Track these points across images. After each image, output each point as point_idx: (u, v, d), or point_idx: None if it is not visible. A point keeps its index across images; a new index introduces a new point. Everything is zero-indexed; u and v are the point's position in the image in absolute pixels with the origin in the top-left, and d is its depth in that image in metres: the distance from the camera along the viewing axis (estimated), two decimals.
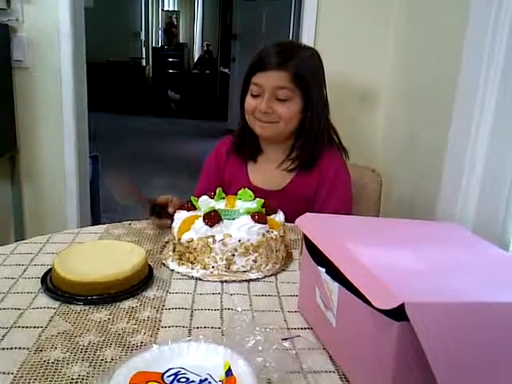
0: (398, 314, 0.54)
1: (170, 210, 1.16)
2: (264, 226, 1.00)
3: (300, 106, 1.30)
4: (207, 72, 7.82)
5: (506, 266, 0.72)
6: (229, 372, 0.60)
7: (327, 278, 0.70)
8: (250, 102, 1.32)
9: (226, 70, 7.07)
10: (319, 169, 1.35)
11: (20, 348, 0.71)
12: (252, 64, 1.32)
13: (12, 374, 0.65)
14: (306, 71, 1.30)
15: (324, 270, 0.71)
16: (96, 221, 2.65)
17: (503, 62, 1.26)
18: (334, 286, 0.68)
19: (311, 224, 0.82)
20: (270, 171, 1.39)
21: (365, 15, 2.11)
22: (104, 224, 1.24)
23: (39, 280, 0.90)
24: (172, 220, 1.08)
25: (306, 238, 0.80)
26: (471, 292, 0.61)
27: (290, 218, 1.09)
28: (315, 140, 1.34)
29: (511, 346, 0.57)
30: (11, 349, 0.71)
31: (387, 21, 2.10)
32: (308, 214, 0.86)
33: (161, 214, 1.18)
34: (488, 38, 1.27)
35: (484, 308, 0.58)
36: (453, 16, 1.59)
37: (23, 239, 1.13)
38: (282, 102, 1.29)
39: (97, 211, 2.75)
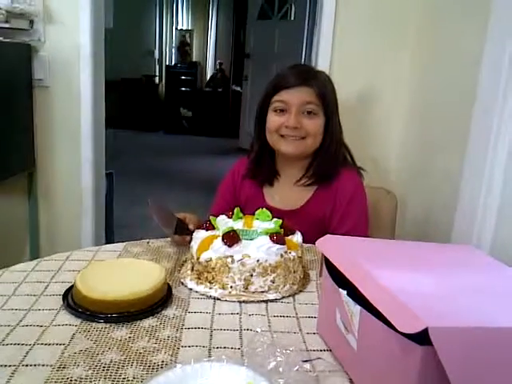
0: (422, 338, 0.54)
1: (191, 226, 1.17)
2: (282, 246, 1.01)
3: (323, 122, 1.32)
4: (219, 90, 7.90)
5: None
6: None
7: (349, 300, 0.70)
8: (274, 119, 1.33)
9: (239, 89, 7.14)
10: (336, 187, 1.36)
11: (43, 365, 0.72)
12: (272, 85, 1.34)
13: None
14: (327, 90, 1.33)
15: (345, 292, 0.71)
16: (109, 237, 2.67)
17: None
18: (356, 309, 0.68)
19: (332, 246, 0.82)
20: (287, 190, 1.40)
21: (380, 39, 2.14)
22: (119, 242, 1.24)
23: (60, 297, 0.91)
24: (191, 236, 1.09)
25: (326, 260, 0.80)
26: (494, 316, 0.61)
27: (307, 239, 1.10)
28: (332, 158, 1.35)
29: None
30: (35, 365, 0.71)
31: (403, 45, 2.13)
32: (328, 235, 0.86)
33: (182, 230, 1.19)
34: (505, 61, 1.29)
35: (508, 332, 0.58)
36: (470, 42, 1.61)
37: (38, 255, 1.14)
38: (308, 117, 1.31)
39: (110, 227, 2.77)
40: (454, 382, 0.54)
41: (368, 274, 0.69)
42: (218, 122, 7.56)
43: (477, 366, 0.56)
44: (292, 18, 5.57)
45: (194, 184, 4.72)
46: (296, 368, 0.68)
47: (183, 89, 7.92)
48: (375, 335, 0.65)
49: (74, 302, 0.89)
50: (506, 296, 0.68)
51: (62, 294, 0.92)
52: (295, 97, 1.30)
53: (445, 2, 1.89)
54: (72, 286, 0.92)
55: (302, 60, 4.51)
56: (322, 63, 2.09)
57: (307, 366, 0.72)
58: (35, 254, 2.23)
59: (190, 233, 1.13)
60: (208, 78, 8.38)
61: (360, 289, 0.65)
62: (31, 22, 2.09)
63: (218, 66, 8.21)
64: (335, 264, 0.75)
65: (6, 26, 2.00)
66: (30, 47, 2.11)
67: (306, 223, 1.24)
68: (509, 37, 1.29)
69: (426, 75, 2.00)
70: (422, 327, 0.54)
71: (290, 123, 1.30)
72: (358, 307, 0.67)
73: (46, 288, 0.96)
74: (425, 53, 2.02)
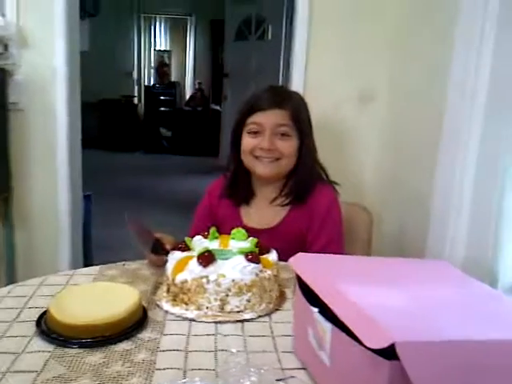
0: (390, 353, 0.56)
1: (168, 246, 1.17)
2: (257, 265, 1.01)
3: (297, 143, 1.34)
4: (199, 109, 7.93)
5: (495, 303, 0.74)
6: None
7: (320, 318, 0.71)
8: (249, 141, 1.35)
9: (218, 108, 7.18)
10: (311, 204, 1.37)
11: None
12: (247, 106, 1.36)
13: None
14: (300, 111, 1.36)
15: (317, 310, 0.72)
16: (88, 260, 2.63)
17: (485, 101, 1.31)
18: (327, 326, 0.69)
19: (304, 264, 0.83)
20: (262, 210, 1.41)
21: (354, 56, 2.17)
22: (97, 265, 1.24)
23: (34, 323, 0.90)
24: (167, 257, 1.09)
25: (298, 278, 0.81)
26: (461, 330, 0.62)
27: (283, 256, 1.10)
28: (307, 177, 1.37)
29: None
30: None
31: (376, 62, 2.16)
32: (301, 253, 0.87)
33: (159, 250, 1.19)
34: (471, 77, 1.33)
35: (474, 346, 0.59)
36: (439, 64, 1.65)
37: (14, 279, 1.13)
38: (282, 139, 1.32)
39: (89, 250, 2.74)
40: None
41: (339, 290, 0.70)
42: (197, 141, 7.56)
43: (444, 379, 0.57)
44: (269, 38, 5.65)
45: (174, 204, 4.70)
46: None
47: (162, 109, 7.93)
48: (346, 351, 0.66)
49: (48, 328, 0.88)
50: (475, 310, 0.70)
51: (36, 319, 0.91)
52: (269, 119, 1.31)
53: (415, 22, 1.94)
54: (46, 312, 0.91)
55: (280, 78, 4.57)
56: (296, 81, 2.12)
57: None
58: (11, 279, 2.18)
59: (167, 253, 1.13)
60: (187, 97, 8.42)
61: (330, 306, 0.67)
62: (5, 46, 2.08)
63: (197, 86, 8.25)
64: (306, 282, 0.76)
65: None
66: (5, 71, 2.10)
67: (283, 241, 1.26)
68: (472, 51, 1.33)
69: (399, 93, 2.05)
70: (389, 342, 0.55)
71: (263, 145, 1.32)
72: (329, 324, 0.68)
73: (19, 314, 0.95)
74: (398, 70, 2.07)
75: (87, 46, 2.58)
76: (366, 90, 2.19)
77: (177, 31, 8.50)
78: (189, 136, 7.61)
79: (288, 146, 1.33)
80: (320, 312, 0.71)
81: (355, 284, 0.73)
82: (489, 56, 1.28)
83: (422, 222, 1.60)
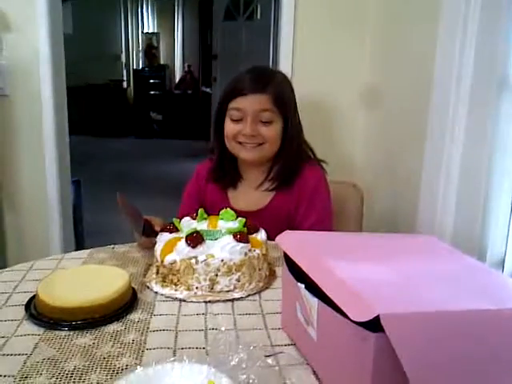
0: (375, 325, 0.56)
1: (157, 228, 1.17)
2: (246, 245, 1.02)
3: (281, 127, 1.33)
4: (189, 92, 7.86)
5: (481, 276, 0.74)
6: None
7: (307, 293, 0.71)
8: (231, 127, 1.33)
9: (208, 90, 7.12)
10: (298, 184, 1.37)
11: (5, 376, 0.71)
12: (228, 90, 1.34)
13: None
14: (284, 93, 1.34)
15: (303, 285, 0.73)
16: (80, 245, 2.63)
17: (472, 72, 1.31)
18: (314, 302, 0.69)
19: (291, 241, 0.84)
20: (249, 194, 1.41)
21: (341, 39, 2.17)
22: (87, 249, 1.24)
23: (23, 307, 0.90)
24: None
25: (285, 255, 0.82)
26: (446, 301, 0.63)
27: (272, 236, 1.10)
28: (293, 160, 1.36)
29: (486, 354, 0.59)
30: None
31: (362, 42, 2.16)
32: (288, 231, 0.88)
33: (150, 232, 1.19)
34: (456, 62, 1.33)
35: (458, 316, 0.59)
36: (424, 42, 1.65)
37: (5, 267, 1.13)
38: (265, 125, 1.31)
39: (80, 236, 2.73)
40: (406, 366, 0.55)
41: (325, 266, 0.70)
42: (188, 124, 7.51)
43: (429, 350, 0.57)
44: (258, 18, 5.58)
45: (166, 188, 4.68)
46: (259, 363, 0.69)
47: (152, 92, 7.85)
48: (332, 326, 0.66)
49: (37, 312, 0.88)
50: (460, 282, 0.70)
51: (25, 303, 0.91)
52: (251, 105, 1.29)
53: (400, 4, 1.93)
54: (35, 296, 0.91)
55: (270, 59, 4.53)
56: (283, 62, 2.11)
57: (270, 360, 0.73)
58: (3, 265, 2.17)
59: (156, 235, 1.13)
60: (177, 80, 8.33)
61: (316, 281, 0.67)
62: None
63: (186, 68, 8.17)
64: (293, 258, 0.76)
65: None
66: None
67: (271, 222, 1.25)
68: (456, 39, 1.33)
69: (384, 73, 2.04)
70: (373, 315, 0.56)
71: (246, 131, 1.30)
72: (316, 299, 0.69)
73: (8, 299, 0.95)
74: (382, 51, 2.06)
75: (71, 29, 2.55)
76: (352, 67, 2.19)
77: (164, 13, 8.37)
78: (180, 119, 7.57)
79: (271, 131, 1.32)
80: (306, 288, 0.72)
81: (341, 259, 0.73)
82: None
83: (412, 198, 1.61)
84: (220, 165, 1.42)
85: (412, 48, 1.76)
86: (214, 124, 1.39)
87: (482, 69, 1.28)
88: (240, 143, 1.34)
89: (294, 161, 1.36)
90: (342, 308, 0.60)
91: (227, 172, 1.42)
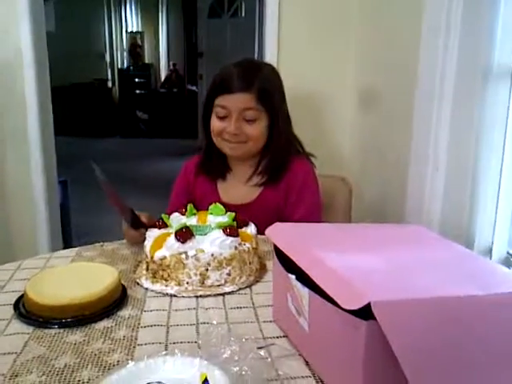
0: (366, 313, 0.56)
1: (144, 219, 1.17)
2: (236, 238, 1.01)
3: (266, 123, 1.33)
4: (175, 90, 7.83)
5: (468, 262, 0.75)
6: (206, 383, 0.61)
7: (298, 284, 0.71)
8: (216, 124, 1.34)
9: (194, 88, 7.09)
10: (287, 178, 1.38)
11: None
12: (215, 86, 1.34)
13: None
14: (270, 88, 1.33)
15: (294, 276, 0.73)
16: (68, 246, 2.61)
17: (456, 56, 1.32)
18: (305, 292, 0.70)
19: (280, 233, 0.84)
20: (238, 187, 1.41)
21: (326, 29, 2.18)
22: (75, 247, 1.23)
23: (11, 306, 0.89)
24: (145, 233, 1.09)
25: (275, 247, 0.82)
26: (435, 288, 0.63)
27: (262, 230, 1.10)
28: (281, 154, 1.37)
29: (476, 339, 0.60)
30: None
31: (349, 34, 2.17)
32: (277, 223, 0.88)
33: (138, 224, 1.18)
34: (440, 51, 1.34)
35: (449, 303, 0.60)
36: (409, 31, 1.66)
37: None
38: (249, 123, 1.31)
39: (69, 236, 2.71)
40: (398, 353, 0.56)
41: (315, 256, 0.70)
42: (175, 122, 7.48)
43: (421, 336, 0.58)
44: (243, 15, 5.57)
45: (154, 187, 4.65)
46: (251, 355, 0.69)
47: (138, 91, 7.80)
48: (324, 315, 0.66)
49: (26, 310, 0.87)
50: (449, 269, 0.71)
51: (13, 303, 0.90)
52: (235, 103, 1.29)
53: None
54: (23, 295, 0.90)
55: (255, 55, 4.54)
56: (269, 57, 2.12)
57: (262, 352, 0.73)
58: None
59: (145, 227, 1.13)
60: (162, 79, 8.29)
61: (306, 271, 0.67)
62: None
63: (171, 67, 8.13)
64: (282, 249, 0.76)
65: None
66: None
67: (261, 215, 1.25)
68: (441, 29, 1.34)
69: (370, 66, 2.05)
70: (364, 302, 0.56)
71: (230, 130, 1.31)
72: (306, 290, 0.69)
73: None
74: (368, 44, 2.07)
75: (53, 27, 2.52)
76: (338, 59, 2.20)
77: (148, 11, 8.31)
78: (166, 118, 7.53)
79: (254, 130, 1.32)
80: (297, 279, 0.72)
81: (331, 250, 0.73)
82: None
83: (400, 187, 1.62)
84: (208, 157, 1.43)
85: (397, 38, 1.77)
86: (201, 117, 1.40)
87: (465, 58, 1.29)
88: (225, 139, 1.34)
89: (282, 155, 1.37)
90: (333, 297, 0.60)
91: (216, 163, 1.42)
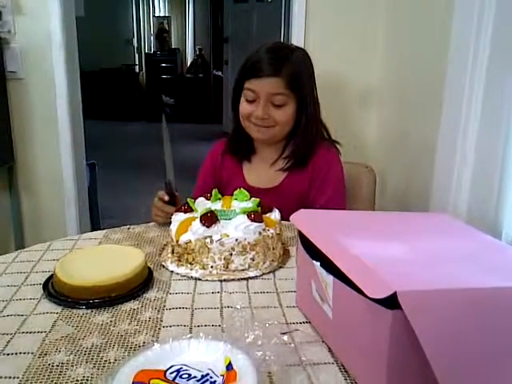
0: (391, 302, 0.56)
1: (176, 193, 1.25)
2: (260, 224, 1.02)
3: (294, 108, 1.33)
4: (200, 76, 7.84)
5: (496, 252, 0.74)
6: (229, 366, 0.62)
7: (322, 271, 0.71)
8: (245, 107, 1.34)
9: (219, 73, 7.09)
10: (313, 164, 1.37)
11: (24, 353, 0.72)
12: (245, 69, 1.33)
13: (17, 378, 0.66)
14: (300, 74, 1.32)
15: (319, 263, 0.72)
16: (95, 228, 2.66)
17: (489, 49, 1.28)
18: (329, 279, 0.69)
19: (305, 219, 0.83)
20: (264, 170, 1.41)
21: (353, 15, 2.13)
22: (103, 230, 1.25)
23: (41, 286, 0.92)
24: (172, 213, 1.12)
25: (300, 234, 0.81)
26: (462, 279, 0.62)
27: (285, 216, 1.10)
28: (307, 139, 1.36)
29: (502, 331, 0.59)
30: (16, 354, 0.72)
31: (376, 21, 2.13)
32: (302, 209, 0.87)
33: (170, 190, 1.26)
34: (472, 38, 1.30)
35: (474, 293, 0.59)
36: (439, 16, 1.61)
37: (23, 248, 1.14)
38: (277, 108, 1.31)
39: (96, 218, 2.76)
40: (424, 343, 0.55)
41: (340, 244, 0.70)
42: (200, 107, 7.51)
43: (447, 327, 0.57)
44: (269, 0, 5.52)
45: (180, 172, 4.69)
46: (274, 340, 0.70)
47: (164, 76, 7.84)
48: (348, 303, 0.66)
49: (55, 291, 0.89)
50: (476, 260, 0.70)
51: (43, 283, 0.93)
52: (264, 88, 1.29)
53: None
54: (52, 275, 0.93)
55: (282, 40, 4.49)
56: (296, 42, 2.08)
57: (285, 337, 0.73)
58: (20, 248, 2.21)
59: (174, 201, 1.22)
60: (188, 64, 8.30)
61: (331, 258, 0.67)
62: (0, 14, 2.05)
63: (197, 52, 8.13)
64: (307, 236, 0.76)
65: None
66: (1, 39, 2.08)
67: (285, 200, 1.26)
68: (472, 19, 1.29)
69: (400, 49, 2.01)
70: (390, 292, 0.55)
71: (257, 114, 1.31)
72: (331, 277, 0.69)
73: (26, 278, 0.97)
74: (397, 26, 2.02)
75: (82, 12, 2.54)
76: (366, 46, 2.15)
77: None
78: (192, 103, 7.56)
79: (282, 115, 1.31)
80: (322, 265, 0.72)
81: (356, 237, 0.73)
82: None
83: (426, 177, 1.59)
84: (236, 136, 1.44)
85: (427, 24, 1.72)
86: (231, 99, 1.41)
87: (498, 49, 1.25)
88: (253, 123, 1.34)
89: (309, 140, 1.36)
90: (359, 285, 0.59)
91: (243, 144, 1.43)
